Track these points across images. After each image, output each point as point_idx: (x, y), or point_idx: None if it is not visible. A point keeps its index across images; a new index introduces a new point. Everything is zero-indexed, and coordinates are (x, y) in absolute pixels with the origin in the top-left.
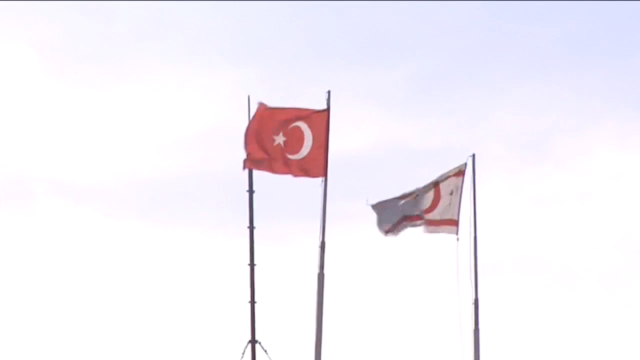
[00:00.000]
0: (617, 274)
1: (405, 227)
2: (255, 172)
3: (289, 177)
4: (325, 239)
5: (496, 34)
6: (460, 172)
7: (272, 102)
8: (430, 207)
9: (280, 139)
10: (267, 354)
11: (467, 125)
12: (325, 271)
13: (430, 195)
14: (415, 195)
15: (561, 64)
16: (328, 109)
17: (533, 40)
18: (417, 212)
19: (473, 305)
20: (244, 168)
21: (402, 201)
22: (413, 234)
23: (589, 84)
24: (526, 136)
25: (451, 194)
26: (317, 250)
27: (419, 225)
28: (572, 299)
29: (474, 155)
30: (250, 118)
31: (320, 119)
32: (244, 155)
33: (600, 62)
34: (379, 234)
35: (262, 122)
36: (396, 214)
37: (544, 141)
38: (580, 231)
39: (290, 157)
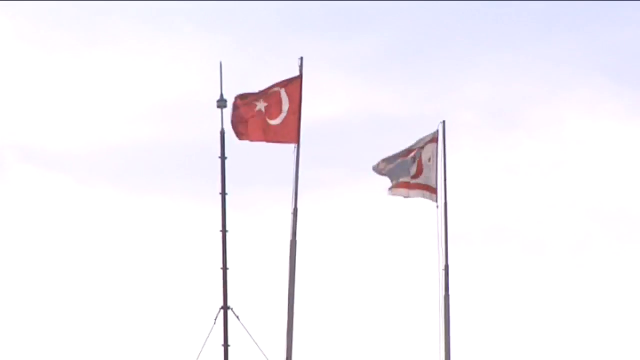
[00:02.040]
0: (587, 242)
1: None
2: (227, 139)
3: (262, 143)
4: (298, 206)
5: (466, 4)
6: (434, 139)
7: (245, 69)
8: (416, 173)
9: (261, 105)
10: (239, 320)
11: (439, 93)
12: (297, 238)
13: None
14: (410, 159)
15: (532, 33)
16: (300, 76)
17: (504, 10)
18: (406, 179)
19: (443, 272)
20: (237, 138)
21: (399, 160)
22: (387, 201)
23: (559, 52)
24: (497, 104)
25: (429, 160)
26: (290, 216)
27: (404, 193)
28: (542, 266)
29: (444, 122)
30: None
31: (294, 85)
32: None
33: (571, 30)
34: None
35: (243, 105)
36: (396, 174)
37: (515, 109)
38: (551, 199)
39: (270, 122)
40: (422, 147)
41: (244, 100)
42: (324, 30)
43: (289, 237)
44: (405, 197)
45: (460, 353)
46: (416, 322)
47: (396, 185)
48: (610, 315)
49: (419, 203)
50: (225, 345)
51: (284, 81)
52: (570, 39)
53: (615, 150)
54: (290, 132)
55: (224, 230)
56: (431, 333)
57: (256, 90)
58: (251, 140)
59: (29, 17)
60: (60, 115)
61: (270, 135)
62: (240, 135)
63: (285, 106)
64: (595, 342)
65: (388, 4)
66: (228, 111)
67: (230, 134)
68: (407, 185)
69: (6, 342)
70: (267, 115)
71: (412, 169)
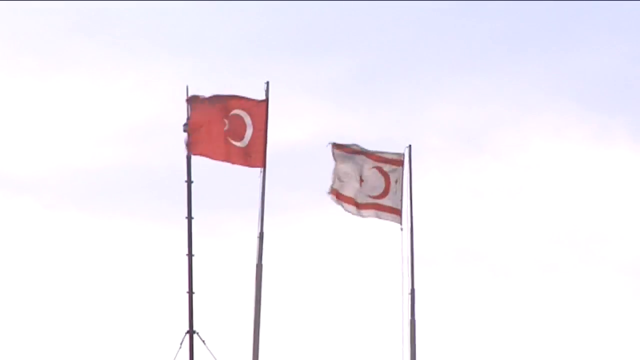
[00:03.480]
0: (552, 266)
1: (342, 205)
2: (194, 163)
3: (228, 166)
4: (264, 230)
5: (434, 27)
6: (399, 162)
7: (210, 93)
8: (382, 193)
9: (227, 126)
10: (205, 344)
11: (405, 118)
12: (263, 262)
13: (381, 181)
14: (361, 180)
15: (498, 57)
16: (267, 100)
17: (470, 34)
18: (364, 200)
19: (410, 296)
20: (188, 152)
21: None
22: (353, 225)
23: (526, 76)
24: (463, 128)
25: (396, 182)
26: (256, 240)
27: (352, 211)
28: (508, 290)
29: (410, 146)
30: (189, 110)
31: (259, 110)
32: (187, 140)
33: (537, 55)
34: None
35: (204, 110)
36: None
37: (481, 133)
38: (516, 223)
39: (235, 143)
40: (389, 170)
41: (206, 107)
42: (290, 54)
43: (254, 261)
44: (358, 215)
45: None
46: (382, 346)
47: (345, 200)
48: (577, 337)
49: (383, 226)
50: None
51: (246, 101)
52: (537, 63)
53: (581, 174)
54: (256, 156)
55: (190, 255)
56: (397, 357)
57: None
58: (209, 157)
59: None
60: (27, 140)
61: (236, 157)
62: (194, 146)
63: (249, 131)
64: None
65: (353, 29)
66: None
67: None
68: (366, 206)
69: None
70: (230, 136)
71: (372, 190)
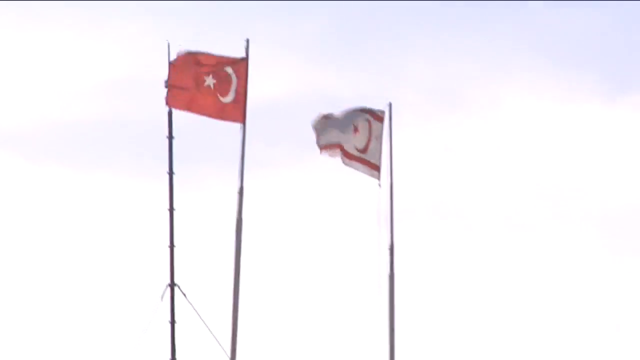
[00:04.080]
0: (526, 219)
1: (337, 155)
2: (175, 118)
3: (209, 122)
4: (244, 184)
5: None
6: (380, 118)
7: (192, 49)
8: (364, 148)
9: (210, 81)
10: (185, 297)
11: (382, 75)
12: (243, 216)
13: (366, 136)
14: (354, 129)
15: (472, 16)
16: (247, 57)
17: None
18: (351, 150)
19: (389, 251)
20: (169, 107)
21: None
22: (332, 181)
23: (498, 34)
24: (439, 86)
25: (376, 139)
26: (236, 195)
27: (347, 162)
28: (484, 244)
29: (390, 103)
30: (171, 63)
31: (241, 66)
32: (168, 95)
33: (509, 13)
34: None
35: (187, 64)
36: (334, 134)
37: (456, 91)
38: (491, 178)
39: (222, 99)
40: (371, 124)
41: (191, 56)
42: (270, 12)
43: (235, 216)
44: (342, 162)
45: (405, 331)
46: (361, 300)
47: (332, 146)
48: (550, 287)
49: (362, 182)
50: (172, 322)
51: (229, 59)
52: (510, 21)
53: (553, 130)
54: (237, 112)
55: (171, 209)
56: (376, 310)
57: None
58: (192, 112)
59: None
60: (9, 93)
61: (220, 113)
62: (175, 101)
63: (234, 85)
64: (538, 318)
65: None
66: None
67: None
68: (351, 157)
69: None
70: (217, 92)
71: (360, 142)
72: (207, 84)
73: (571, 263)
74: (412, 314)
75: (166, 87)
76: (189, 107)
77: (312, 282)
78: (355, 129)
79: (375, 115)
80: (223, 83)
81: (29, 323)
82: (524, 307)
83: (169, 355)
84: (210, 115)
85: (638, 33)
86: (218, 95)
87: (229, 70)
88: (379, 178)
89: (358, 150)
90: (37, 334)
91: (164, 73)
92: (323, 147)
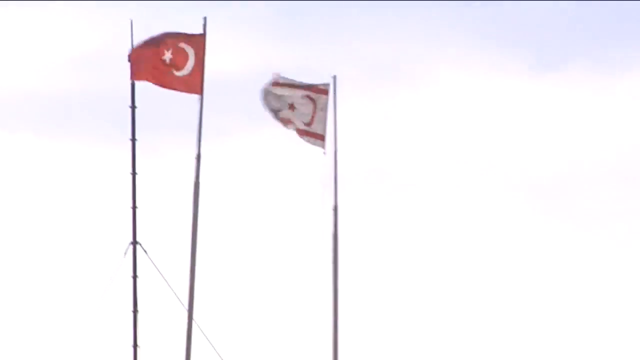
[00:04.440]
0: (459, 182)
1: (292, 128)
2: (137, 90)
3: (169, 92)
4: (201, 151)
5: None
6: (325, 91)
7: (152, 27)
8: (310, 121)
9: (168, 56)
10: (147, 254)
11: (329, 50)
12: (200, 180)
13: (310, 109)
14: (292, 105)
15: None
16: (204, 34)
17: None
18: (297, 124)
19: (333, 212)
20: (132, 79)
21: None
22: (282, 148)
23: (435, 13)
24: (380, 60)
25: (321, 110)
26: (194, 161)
27: (295, 132)
28: (421, 205)
29: (335, 76)
30: (134, 44)
31: (199, 41)
32: (130, 68)
33: None
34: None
35: (147, 44)
36: (278, 106)
37: (395, 64)
38: (427, 144)
39: (177, 73)
40: (316, 98)
41: (149, 46)
42: None
43: (193, 180)
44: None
45: (348, 287)
46: (306, 257)
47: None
48: (492, 250)
49: (309, 150)
50: (134, 277)
51: (186, 35)
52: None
53: (483, 102)
54: (195, 84)
55: (134, 173)
56: (320, 268)
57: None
58: (150, 82)
59: None
60: None
61: (179, 85)
62: (137, 73)
63: (191, 60)
64: (472, 272)
65: None
66: None
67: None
68: (302, 132)
69: None
70: (173, 67)
71: (305, 117)
72: (165, 59)
73: (500, 226)
74: (355, 271)
75: (129, 60)
76: (150, 79)
77: (263, 239)
78: (291, 106)
79: (319, 89)
80: (180, 58)
81: None
82: (460, 262)
83: (132, 307)
84: (169, 87)
85: (566, 11)
86: (174, 69)
87: (186, 46)
88: (324, 147)
89: (305, 125)
90: (3, 291)
91: (127, 47)
92: (280, 119)
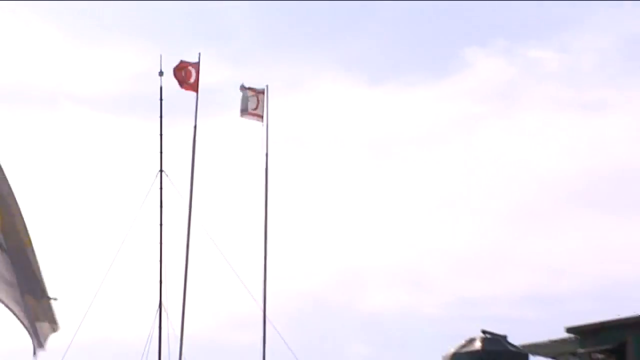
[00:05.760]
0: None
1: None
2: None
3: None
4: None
5: None
6: (262, 92)
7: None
8: (255, 107)
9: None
10: (172, 184)
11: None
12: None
13: (255, 102)
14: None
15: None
16: (199, 62)
17: None
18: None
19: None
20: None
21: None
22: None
23: (313, 47)
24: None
25: (262, 101)
26: None
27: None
28: None
29: (267, 85)
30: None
31: (196, 67)
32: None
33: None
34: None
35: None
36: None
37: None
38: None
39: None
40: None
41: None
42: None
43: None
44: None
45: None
46: (241, 177)
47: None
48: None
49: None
50: (160, 206)
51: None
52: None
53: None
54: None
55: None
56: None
57: None
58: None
59: None
60: None
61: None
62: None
63: (194, 76)
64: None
65: None
66: None
67: None
68: (251, 114)
69: None
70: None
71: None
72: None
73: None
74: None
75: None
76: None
77: None
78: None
79: (259, 91)
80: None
81: None
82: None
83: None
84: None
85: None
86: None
87: (192, 68)
88: (262, 121)
89: (254, 109)
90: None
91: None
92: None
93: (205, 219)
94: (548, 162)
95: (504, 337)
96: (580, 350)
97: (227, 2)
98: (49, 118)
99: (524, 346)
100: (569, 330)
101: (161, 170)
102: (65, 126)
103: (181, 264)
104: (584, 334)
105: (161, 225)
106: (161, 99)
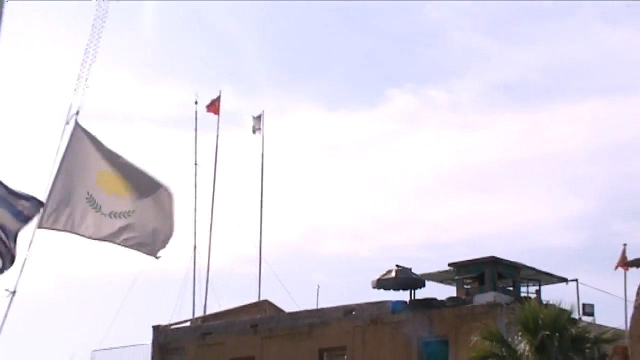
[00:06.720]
0: None
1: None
2: None
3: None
4: None
5: None
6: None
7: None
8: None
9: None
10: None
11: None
12: None
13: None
14: None
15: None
16: (219, 98)
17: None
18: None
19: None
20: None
21: None
22: None
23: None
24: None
25: None
26: None
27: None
28: None
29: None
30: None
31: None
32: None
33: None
34: None
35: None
36: None
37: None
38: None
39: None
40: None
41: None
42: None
43: None
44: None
45: None
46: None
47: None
48: None
49: None
50: (195, 186)
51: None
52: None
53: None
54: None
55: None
56: None
57: None
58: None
59: None
60: None
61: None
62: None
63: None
64: None
65: None
66: None
67: None
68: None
69: None
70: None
71: None
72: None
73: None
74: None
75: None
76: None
77: None
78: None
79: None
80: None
81: None
82: None
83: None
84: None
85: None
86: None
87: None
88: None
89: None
90: None
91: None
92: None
93: (224, 193)
94: (440, 161)
95: (410, 269)
96: (457, 278)
97: (242, 43)
98: (127, 132)
99: (423, 275)
100: (450, 265)
101: (196, 164)
102: (138, 138)
103: (208, 221)
104: (459, 267)
105: (196, 197)
106: (196, 119)
